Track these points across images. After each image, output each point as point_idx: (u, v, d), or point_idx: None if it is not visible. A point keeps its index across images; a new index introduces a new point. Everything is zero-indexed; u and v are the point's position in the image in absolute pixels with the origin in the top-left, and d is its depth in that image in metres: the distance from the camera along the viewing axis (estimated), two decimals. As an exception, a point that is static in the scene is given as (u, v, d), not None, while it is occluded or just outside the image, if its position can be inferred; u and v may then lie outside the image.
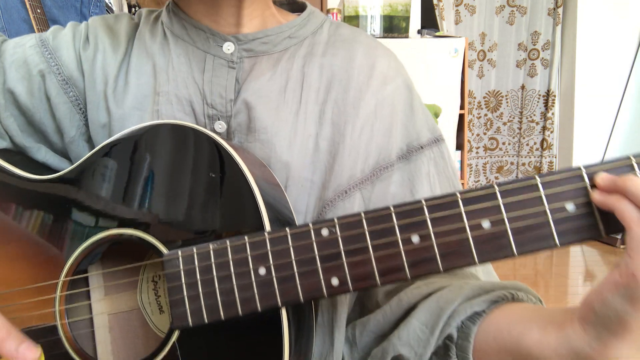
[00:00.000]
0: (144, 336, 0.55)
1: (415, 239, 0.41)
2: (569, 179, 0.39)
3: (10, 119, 0.58)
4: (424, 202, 0.41)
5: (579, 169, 0.39)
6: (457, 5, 3.45)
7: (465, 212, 0.40)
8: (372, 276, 0.42)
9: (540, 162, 3.49)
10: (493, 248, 0.40)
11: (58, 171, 0.58)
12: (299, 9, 0.64)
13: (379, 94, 0.57)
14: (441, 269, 0.41)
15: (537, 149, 3.52)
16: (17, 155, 0.59)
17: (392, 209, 0.42)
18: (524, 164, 3.56)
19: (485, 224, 0.40)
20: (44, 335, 0.50)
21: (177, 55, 0.57)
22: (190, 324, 0.44)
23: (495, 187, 0.40)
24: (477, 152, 3.64)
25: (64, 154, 0.60)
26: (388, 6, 3.02)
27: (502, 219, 0.39)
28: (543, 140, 3.47)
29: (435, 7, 3.30)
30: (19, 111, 0.59)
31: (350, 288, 0.42)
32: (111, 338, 0.54)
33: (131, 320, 0.55)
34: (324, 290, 0.43)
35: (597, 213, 0.38)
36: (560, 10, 3.29)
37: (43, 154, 0.59)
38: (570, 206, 0.39)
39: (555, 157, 3.48)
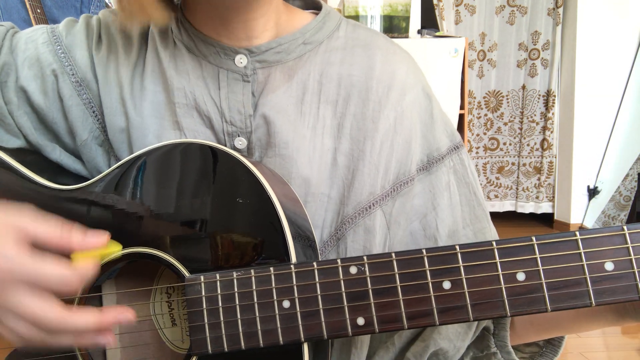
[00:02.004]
0: (155, 346, 0.54)
1: (446, 285, 0.40)
2: (611, 237, 0.38)
3: (24, 117, 0.56)
4: (458, 248, 0.40)
5: (622, 228, 0.38)
6: (457, 5, 3.45)
7: (500, 262, 0.40)
8: (400, 319, 0.41)
9: (541, 163, 3.49)
10: (526, 301, 0.39)
11: (72, 172, 0.57)
12: (312, 4, 0.62)
13: (398, 106, 0.56)
14: (471, 318, 0.40)
15: (537, 149, 3.51)
16: (31, 154, 0.57)
17: (424, 252, 0.41)
18: (524, 165, 3.55)
19: (520, 276, 0.39)
20: (59, 350, 0.49)
21: (193, 68, 0.55)
22: (210, 351, 0.43)
23: (534, 239, 0.39)
24: (477, 152, 3.63)
25: (77, 155, 0.58)
26: (388, 6, 3.01)
27: (538, 272, 0.39)
28: (543, 140, 3.47)
29: (435, 7, 3.30)
30: (32, 109, 0.57)
31: (377, 329, 0.41)
32: (121, 345, 0.53)
33: (142, 329, 0.54)
34: (349, 330, 0.42)
35: (637, 275, 0.38)
36: (560, 10, 3.29)
37: (57, 153, 0.58)
38: (609, 265, 0.38)
39: (555, 157, 3.48)
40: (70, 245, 0.41)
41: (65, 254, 0.41)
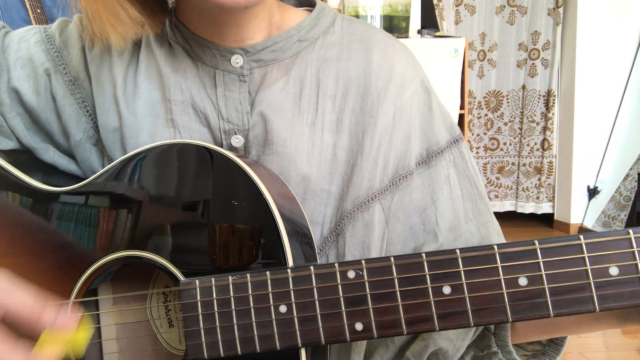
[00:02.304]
0: (152, 349, 0.54)
1: (446, 290, 0.40)
2: (616, 241, 0.37)
3: (17, 118, 0.56)
4: (458, 252, 0.39)
5: (628, 232, 0.37)
6: (457, 5, 3.45)
7: (502, 267, 0.39)
8: (399, 325, 0.40)
9: (541, 163, 3.49)
10: (528, 307, 0.38)
11: (66, 172, 0.57)
12: (305, 1, 0.61)
13: (397, 100, 0.56)
14: (472, 323, 0.39)
15: (537, 149, 3.51)
16: (25, 154, 0.57)
17: (424, 256, 0.40)
18: (524, 165, 3.55)
19: (522, 281, 0.39)
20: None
21: (189, 68, 0.55)
22: (206, 356, 0.43)
23: (537, 243, 0.38)
24: (477, 152, 3.63)
25: (71, 155, 0.58)
26: (388, 6, 3.01)
27: (541, 277, 0.38)
28: (544, 140, 3.47)
29: (435, 7, 3.30)
30: (25, 110, 0.56)
31: (375, 335, 0.40)
32: (118, 349, 0.53)
33: (139, 332, 0.53)
34: (347, 335, 0.41)
35: None
36: (560, 10, 3.29)
37: (51, 154, 0.57)
38: (614, 270, 0.37)
39: (555, 157, 3.48)
40: (40, 323, 0.40)
41: (34, 331, 0.40)
